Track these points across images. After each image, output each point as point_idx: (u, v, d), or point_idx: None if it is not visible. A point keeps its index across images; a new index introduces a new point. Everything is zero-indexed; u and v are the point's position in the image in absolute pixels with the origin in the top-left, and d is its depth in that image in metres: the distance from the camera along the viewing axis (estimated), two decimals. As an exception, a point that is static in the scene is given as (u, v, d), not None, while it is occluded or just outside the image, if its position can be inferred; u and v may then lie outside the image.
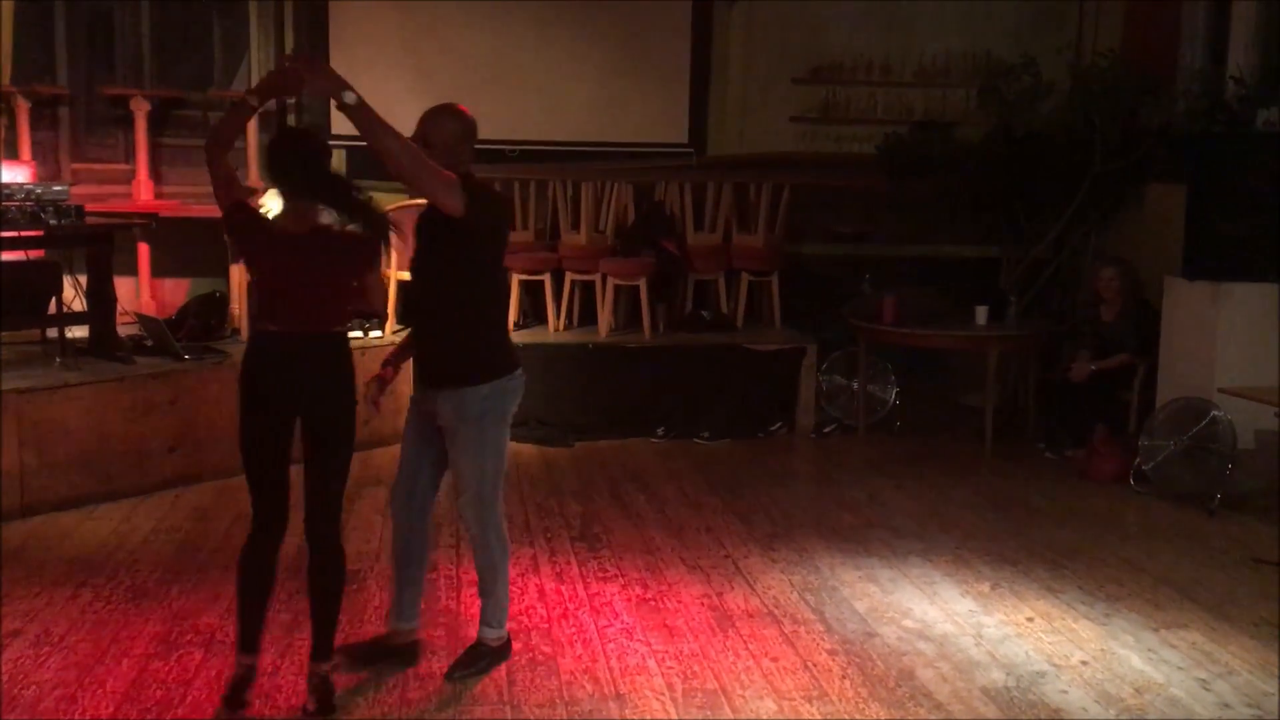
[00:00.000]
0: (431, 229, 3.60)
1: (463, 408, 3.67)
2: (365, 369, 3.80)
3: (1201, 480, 5.95)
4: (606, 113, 8.34)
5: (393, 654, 3.94)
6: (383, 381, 3.86)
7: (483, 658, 3.91)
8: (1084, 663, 4.07)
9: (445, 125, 3.61)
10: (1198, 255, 6.38)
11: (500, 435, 3.78)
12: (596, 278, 7.57)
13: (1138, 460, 6.22)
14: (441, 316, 3.67)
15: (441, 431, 3.74)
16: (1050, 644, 4.23)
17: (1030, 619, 4.46)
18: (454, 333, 3.66)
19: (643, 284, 7.47)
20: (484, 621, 3.94)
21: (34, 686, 3.73)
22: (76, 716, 3.56)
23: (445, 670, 3.89)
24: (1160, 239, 7.11)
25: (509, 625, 4.02)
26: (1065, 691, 3.85)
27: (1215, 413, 5.94)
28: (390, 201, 7.46)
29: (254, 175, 7.57)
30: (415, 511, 3.90)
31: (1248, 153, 6.26)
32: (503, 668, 3.93)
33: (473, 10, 8.13)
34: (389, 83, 7.91)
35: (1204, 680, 3.95)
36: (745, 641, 4.20)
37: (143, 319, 6.79)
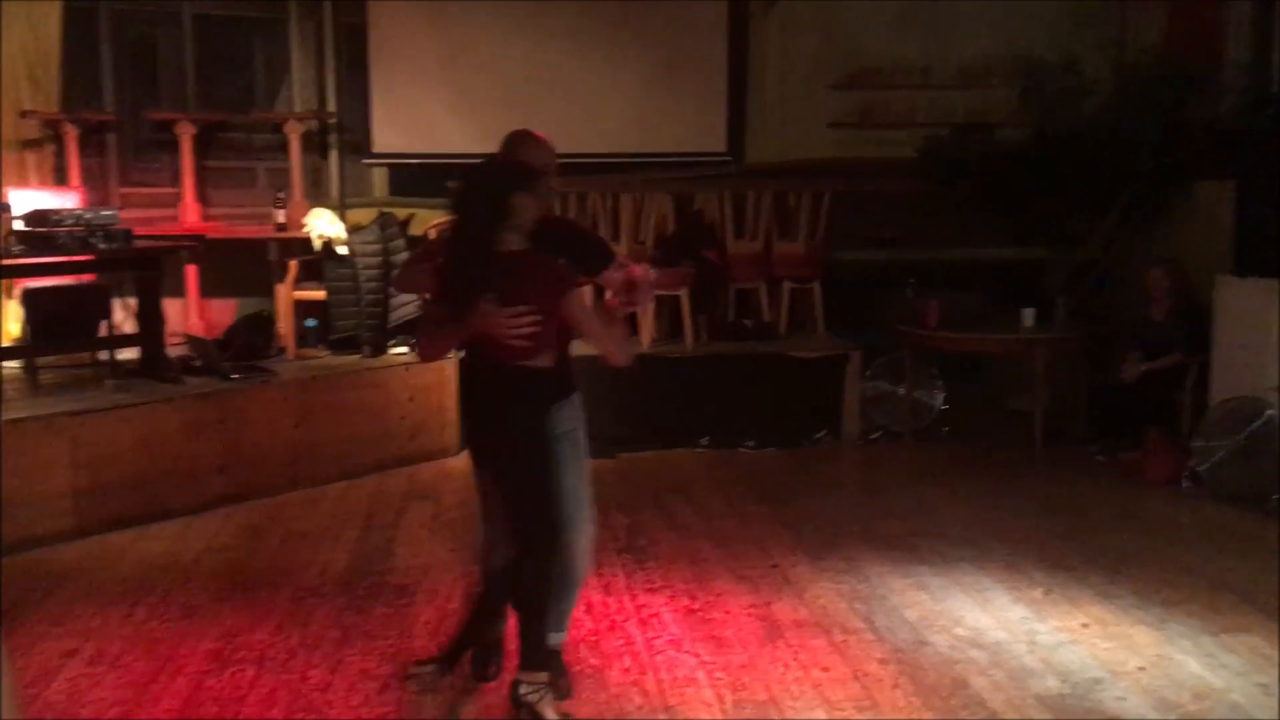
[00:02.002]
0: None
1: (578, 411, 3.96)
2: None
3: (1257, 481, 5.84)
4: (644, 123, 8.35)
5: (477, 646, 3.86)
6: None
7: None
8: (1141, 669, 4.00)
9: (549, 152, 3.79)
10: (1249, 252, 6.29)
11: None
12: (638, 289, 7.56)
13: (1192, 462, 6.12)
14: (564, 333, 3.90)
15: (558, 442, 3.86)
16: (1106, 650, 4.16)
17: (1085, 625, 4.40)
18: (566, 347, 3.95)
19: (684, 294, 7.46)
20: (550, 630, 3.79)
21: (90, 705, 3.78)
22: (132, 734, 3.61)
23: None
24: (1211, 237, 6.99)
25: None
26: (1122, 699, 3.78)
27: (1270, 412, 5.84)
28: (431, 218, 7.56)
29: (298, 194, 7.66)
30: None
31: (1297, 146, 6.16)
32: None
33: (509, 27, 8.17)
34: (428, 102, 7.98)
35: (1265, 685, 3.86)
36: (795, 652, 4.17)
37: (191, 340, 6.88)
